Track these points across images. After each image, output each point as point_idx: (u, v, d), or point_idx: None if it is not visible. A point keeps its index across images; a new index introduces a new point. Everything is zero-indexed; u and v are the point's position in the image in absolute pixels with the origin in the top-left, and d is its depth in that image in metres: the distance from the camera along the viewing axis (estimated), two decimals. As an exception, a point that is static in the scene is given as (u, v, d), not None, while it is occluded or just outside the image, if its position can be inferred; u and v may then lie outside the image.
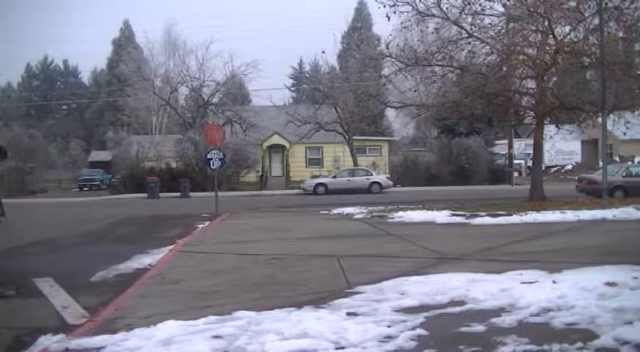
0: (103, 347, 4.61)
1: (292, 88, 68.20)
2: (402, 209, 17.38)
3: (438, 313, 5.09)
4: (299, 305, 5.61)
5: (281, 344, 4.33)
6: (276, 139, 42.57)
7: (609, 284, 5.57)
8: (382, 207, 18.99)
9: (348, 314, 5.17)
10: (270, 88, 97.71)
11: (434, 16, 19.34)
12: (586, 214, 13.90)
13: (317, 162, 43.87)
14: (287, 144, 42.59)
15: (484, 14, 18.87)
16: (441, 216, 14.91)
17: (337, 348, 4.26)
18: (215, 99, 47.19)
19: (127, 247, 11.80)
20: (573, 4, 17.69)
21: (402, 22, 19.62)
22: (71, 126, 75.40)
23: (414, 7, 18.98)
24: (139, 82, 50.35)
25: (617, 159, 42.19)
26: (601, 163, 22.75)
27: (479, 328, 4.55)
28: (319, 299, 5.91)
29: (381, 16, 22.15)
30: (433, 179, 39.50)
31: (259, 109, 45.13)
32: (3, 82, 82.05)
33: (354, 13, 63.95)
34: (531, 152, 23.28)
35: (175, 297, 6.75)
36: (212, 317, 5.25)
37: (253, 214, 19.10)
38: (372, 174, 34.71)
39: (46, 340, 5.01)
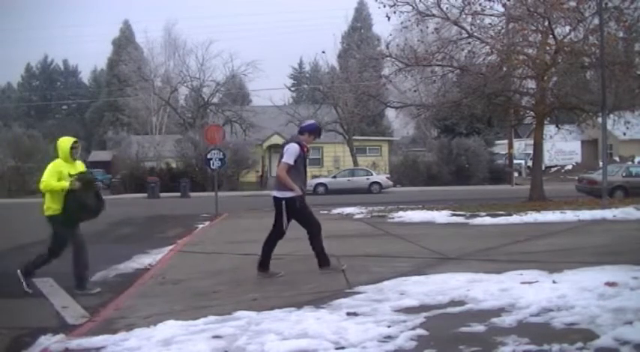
0: (103, 347, 4.61)
1: (292, 88, 68.22)
2: (402, 209, 17.39)
3: (438, 313, 5.09)
4: (299, 305, 5.61)
5: (281, 344, 4.32)
6: (276, 139, 42.55)
7: (609, 284, 5.56)
8: (382, 207, 18.99)
9: (348, 314, 5.16)
10: (270, 88, 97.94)
11: (434, 16, 19.34)
12: (586, 214, 13.89)
13: (317, 162, 43.89)
14: (287, 144, 42.57)
15: (484, 14, 18.88)
16: (441, 216, 14.90)
17: (337, 348, 4.26)
18: (215, 99, 47.25)
19: (127, 247, 11.81)
20: (573, 4, 17.69)
21: (402, 22, 19.66)
22: (71, 126, 75.37)
23: (414, 7, 18.99)
24: (138, 82, 50.38)
25: (617, 159, 42.19)
26: (601, 163, 22.74)
27: (479, 328, 4.54)
28: (319, 299, 5.91)
29: (381, 16, 22.21)
30: (433, 179, 39.52)
31: (259, 109, 45.18)
32: (3, 82, 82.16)
33: (354, 13, 64.02)
34: (531, 152, 23.30)
35: (175, 297, 6.75)
36: (212, 317, 5.24)
37: (253, 214, 19.09)
38: (372, 174, 34.72)
39: (46, 340, 5.00)
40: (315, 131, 7.81)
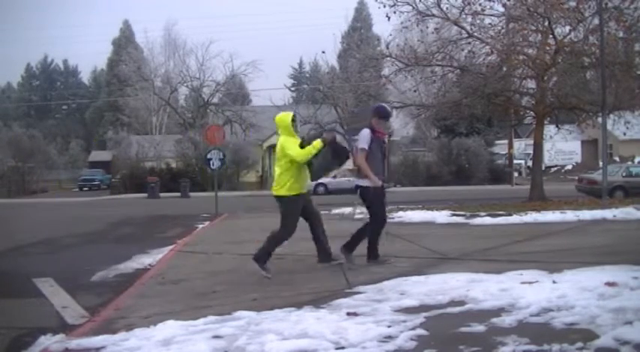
0: (102, 347, 4.61)
1: (292, 88, 68.24)
2: (402, 209, 17.36)
3: (438, 313, 5.08)
4: (299, 305, 5.60)
5: (281, 344, 4.32)
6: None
7: (609, 284, 5.55)
8: (382, 207, 18.94)
9: (348, 314, 5.16)
10: (270, 88, 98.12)
11: (434, 16, 19.35)
12: (586, 214, 13.87)
13: (317, 162, 43.82)
14: (287, 144, 42.54)
15: (484, 14, 18.90)
16: (441, 216, 14.89)
17: (337, 348, 4.25)
18: (215, 99, 47.28)
19: (127, 247, 11.81)
20: (573, 4, 17.71)
21: (402, 22, 19.67)
22: (71, 126, 75.46)
23: (414, 7, 19.00)
24: (139, 82, 50.45)
25: (617, 159, 42.20)
26: (601, 163, 22.74)
27: (479, 328, 4.54)
28: (319, 299, 5.90)
29: (381, 16, 22.19)
30: (433, 179, 39.53)
31: (259, 109, 45.17)
32: (3, 82, 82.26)
33: (354, 13, 64.12)
34: (531, 152, 23.29)
35: (175, 297, 6.75)
36: (212, 317, 5.23)
37: (253, 214, 19.09)
38: (372, 174, 34.66)
39: (46, 340, 5.00)
40: (378, 110, 7.67)
